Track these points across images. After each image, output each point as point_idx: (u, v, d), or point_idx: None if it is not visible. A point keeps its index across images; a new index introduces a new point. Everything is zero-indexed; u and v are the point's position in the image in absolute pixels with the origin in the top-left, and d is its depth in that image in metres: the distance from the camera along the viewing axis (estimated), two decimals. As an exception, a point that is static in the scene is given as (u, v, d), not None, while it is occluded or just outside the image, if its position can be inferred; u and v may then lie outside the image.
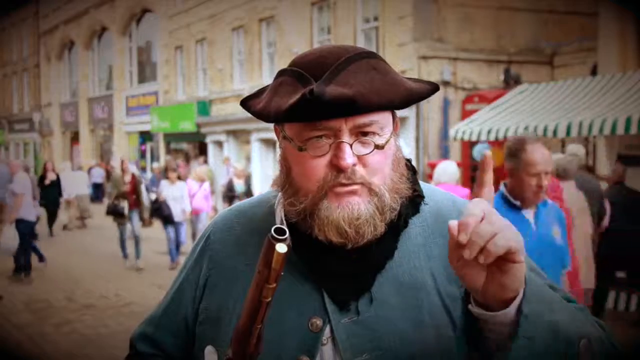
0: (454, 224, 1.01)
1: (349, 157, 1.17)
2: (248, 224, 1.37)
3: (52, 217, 16.25)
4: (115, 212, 11.68)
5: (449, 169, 6.20)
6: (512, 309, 1.06)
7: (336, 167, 1.18)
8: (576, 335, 1.12)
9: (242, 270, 1.30)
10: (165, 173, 12.27)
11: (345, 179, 1.18)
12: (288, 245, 1.02)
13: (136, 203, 11.75)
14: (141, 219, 11.92)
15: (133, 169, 12.77)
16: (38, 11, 36.89)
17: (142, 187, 12.12)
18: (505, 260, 1.01)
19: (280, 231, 1.02)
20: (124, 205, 11.56)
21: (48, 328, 7.80)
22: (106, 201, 15.82)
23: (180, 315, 1.38)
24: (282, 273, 1.04)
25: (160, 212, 11.37)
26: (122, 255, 11.91)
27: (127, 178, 11.84)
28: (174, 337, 1.39)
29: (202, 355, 1.30)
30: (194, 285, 1.37)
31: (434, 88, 1.26)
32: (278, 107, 1.20)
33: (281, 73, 1.25)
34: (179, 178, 11.75)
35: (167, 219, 11.35)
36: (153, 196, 12.70)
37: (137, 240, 11.58)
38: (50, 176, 15.69)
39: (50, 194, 15.37)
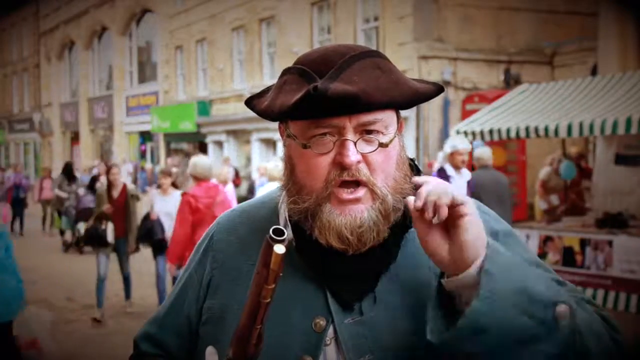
0: (410, 198, 1.13)
1: (353, 155, 1.17)
2: (251, 224, 1.36)
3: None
4: (93, 239, 8.14)
5: None
6: (475, 267, 1.07)
7: (340, 165, 1.17)
8: (552, 300, 1.06)
9: (246, 271, 1.29)
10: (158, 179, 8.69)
11: (349, 176, 1.18)
12: (286, 246, 1.02)
13: (125, 228, 8.21)
14: (129, 249, 8.40)
15: (125, 175, 10.00)
16: (38, 11, 36.88)
17: (137, 207, 8.58)
18: (456, 216, 1.09)
19: (278, 232, 1.02)
20: (107, 228, 8.06)
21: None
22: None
23: (183, 315, 1.38)
24: (281, 274, 1.03)
25: (150, 235, 7.94)
26: (95, 301, 8.12)
27: (115, 193, 8.35)
28: (177, 337, 1.39)
29: (204, 355, 1.29)
30: (197, 285, 1.36)
31: (438, 89, 1.25)
32: (282, 104, 1.19)
33: (285, 71, 1.25)
34: (174, 186, 8.20)
35: (158, 246, 7.87)
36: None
37: (126, 280, 8.54)
38: (103, 180, 12.85)
39: (103, 201, 13.40)
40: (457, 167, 6.97)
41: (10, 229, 15.98)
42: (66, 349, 6.94)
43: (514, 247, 1.25)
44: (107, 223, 8.10)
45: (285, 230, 1.03)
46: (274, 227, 1.03)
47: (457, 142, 7.20)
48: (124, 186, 8.51)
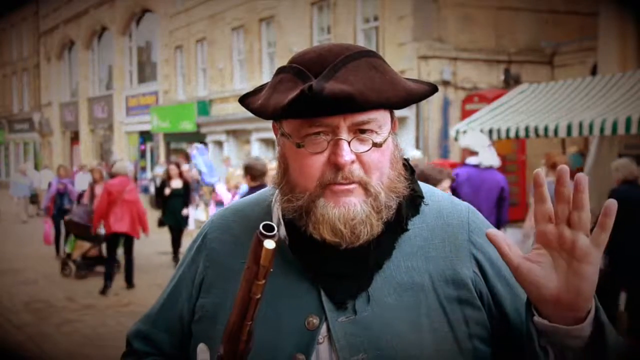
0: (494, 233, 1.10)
1: (347, 154, 1.17)
2: (245, 222, 1.36)
3: (176, 241, 11.36)
4: None
5: None
6: (589, 321, 1.08)
7: (334, 164, 1.18)
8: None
9: (239, 270, 1.27)
10: None
11: (342, 178, 1.18)
12: (277, 242, 1.02)
13: None
14: None
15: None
16: (38, 11, 36.86)
17: None
18: (581, 259, 1.06)
19: (268, 227, 1.02)
20: None
21: (48, 328, 7.79)
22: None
23: (176, 314, 1.37)
24: (272, 270, 1.03)
25: None
26: None
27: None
28: (169, 335, 1.39)
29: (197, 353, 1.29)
30: (190, 284, 1.36)
31: (432, 89, 1.26)
32: (277, 103, 1.19)
33: (280, 70, 1.25)
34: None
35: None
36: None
37: None
38: (175, 184, 10.89)
39: (173, 208, 10.89)
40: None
41: (56, 252, 12.74)
42: (66, 349, 6.95)
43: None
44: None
45: (275, 226, 1.03)
46: (264, 222, 1.03)
47: None
48: None
